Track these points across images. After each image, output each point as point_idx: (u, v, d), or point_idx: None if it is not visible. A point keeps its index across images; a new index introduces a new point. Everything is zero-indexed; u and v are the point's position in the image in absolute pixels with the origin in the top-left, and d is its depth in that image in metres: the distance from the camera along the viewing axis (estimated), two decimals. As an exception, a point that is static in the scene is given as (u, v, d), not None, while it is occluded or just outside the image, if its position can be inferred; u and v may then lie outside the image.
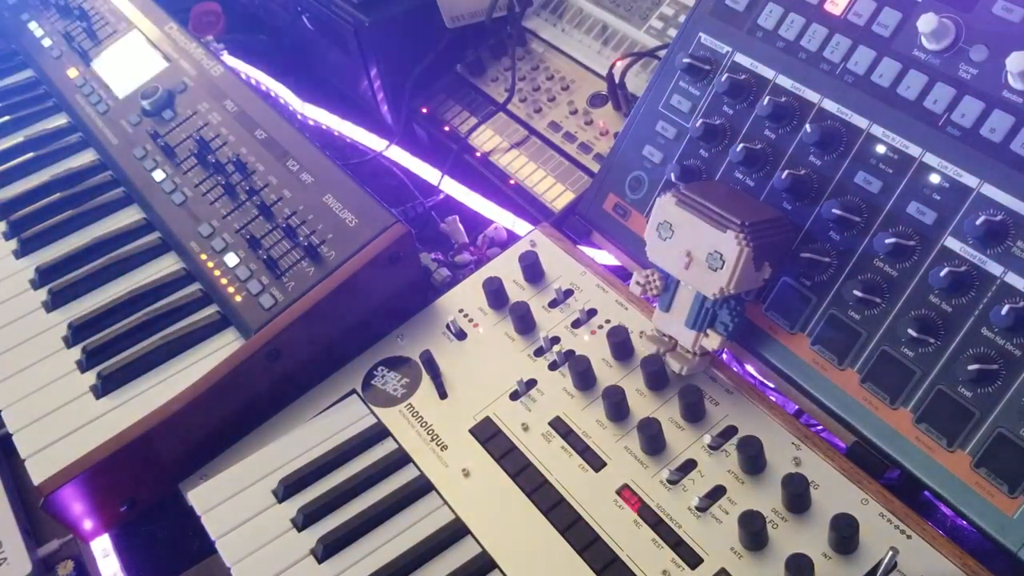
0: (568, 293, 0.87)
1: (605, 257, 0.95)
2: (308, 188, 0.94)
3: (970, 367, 0.67)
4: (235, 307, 0.89)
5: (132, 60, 1.18)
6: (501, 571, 0.72)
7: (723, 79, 0.83)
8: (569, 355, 0.82)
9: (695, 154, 0.87)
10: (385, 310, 0.90)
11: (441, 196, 1.20)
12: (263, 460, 0.82)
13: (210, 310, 0.92)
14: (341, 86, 1.37)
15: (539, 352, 0.84)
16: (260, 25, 1.50)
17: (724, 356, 0.85)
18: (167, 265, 0.98)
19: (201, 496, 0.80)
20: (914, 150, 0.74)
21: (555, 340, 0.84)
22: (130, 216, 1.04)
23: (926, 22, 0.72)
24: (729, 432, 0.75)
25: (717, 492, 0.72)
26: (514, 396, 0.81)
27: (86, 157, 1.13)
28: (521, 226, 1.09)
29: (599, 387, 0.80)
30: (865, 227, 0.75)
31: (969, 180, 0.70)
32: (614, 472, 0.75)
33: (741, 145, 0.81)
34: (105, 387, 0.86)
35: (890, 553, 0.64)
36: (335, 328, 0.87)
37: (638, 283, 0.79)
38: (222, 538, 0.77)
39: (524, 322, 0.85)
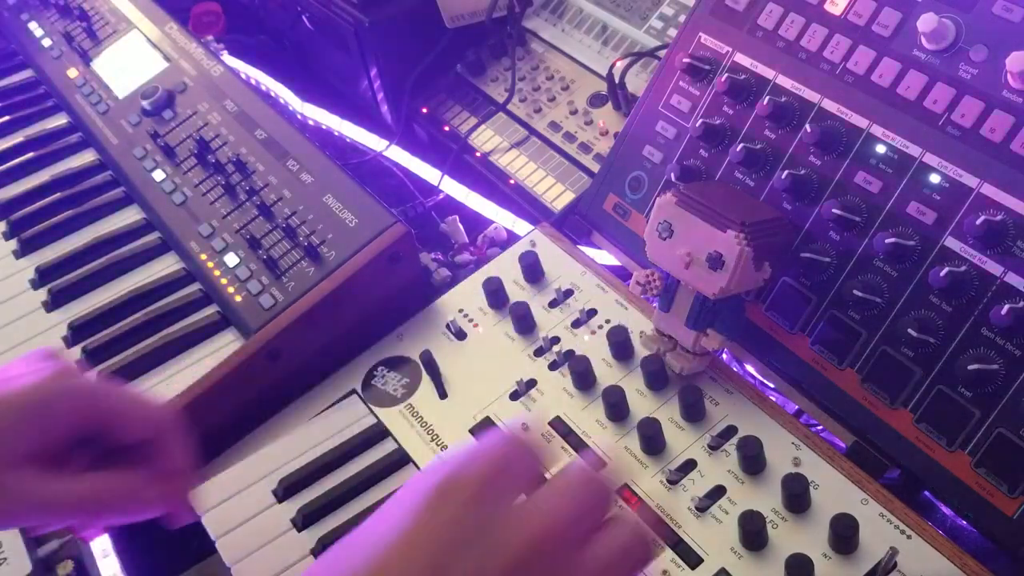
0: (568, 293, 0.87)
1: (605, 257, 0.95)
2: (308, 188, 0.94)
3: (970, 367, 0.67)
4: (235, 307, 0.89)
5: (132, 60, 1.18)
6: (501, 571, 0.72)
7: (723, 79, 0.83)
8: (569, 355, 0.82)
9: (695, 154, 0.87)
10: (385, 310, 0.90)
11: (441, 196, 1.20)
12: (263, 460, 0.82)
13: (210, 310, 0.92)
14: (341, 86, 1.37)
15: (539, 352, 0.84)
16: (260, 25, 1.50)
17: (724, 356, 0.85)
18: (167, 265, 0.98)
19: (201, 496, 0.80)
20: (914, 150, 0.74)
21: (555, 340, 0.84)
22: (130, 216, 1.04)
23: (926, 22, 0.72)
24: (729, 432, 0.75)
25: (717, 492, 0.72)
26: (514, 396, 0.81)
27: (86, 157, 1.13)
28: (521, 226, 1.09)
29: (599, 387, 0.80)
30: (865, 227, 0.75)
31: (969, 180, 0.70)
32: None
33: (741, 145, 0.81)
34: (105, 387, 0.86)
35: (890, 553, 0.64)
36: (335, 328, 0.87)
37: (638, 283, 0.79)
38: (222, 538, 0.77)
39: (524, 322, 0.85)
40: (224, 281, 0.91)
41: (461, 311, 0.89)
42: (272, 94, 1.39)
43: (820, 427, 0.78)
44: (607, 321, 0.84)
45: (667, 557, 0.69)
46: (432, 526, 0.47)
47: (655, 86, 0.91)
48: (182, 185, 1.01)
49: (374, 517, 0.51)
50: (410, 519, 0.48)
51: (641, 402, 0.78)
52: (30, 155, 1.14)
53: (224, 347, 0.88)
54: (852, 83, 0.78)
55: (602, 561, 0.50)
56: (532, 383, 0.82)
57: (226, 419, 0.84)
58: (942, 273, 0.68)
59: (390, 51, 1.23)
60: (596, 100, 1.13)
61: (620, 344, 0.81)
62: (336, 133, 1.32)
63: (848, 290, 0.74)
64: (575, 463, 0.55)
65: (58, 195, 1.07)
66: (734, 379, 0.78)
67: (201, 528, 0.78)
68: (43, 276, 0.99)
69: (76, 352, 0.90)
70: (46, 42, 1.29)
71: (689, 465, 0.74)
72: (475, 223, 1.16)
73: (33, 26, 1.33)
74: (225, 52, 1.37)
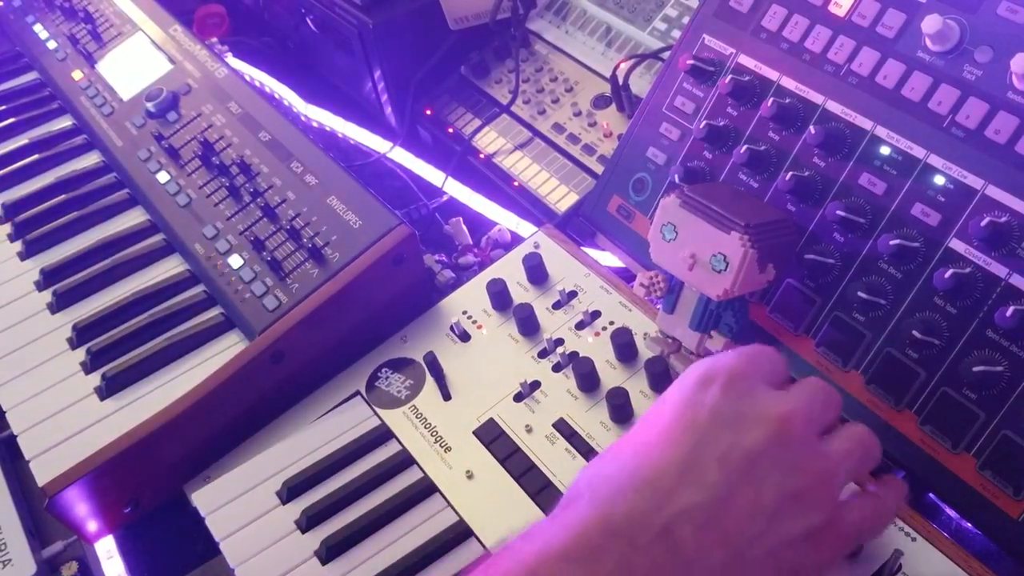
0: (572, 295, 0.87)
1: (609, 259, 0.95)
2: (312, 190, 0.94)
3: (975, 369, 0.67)
4: (239, 309, 0.89)
5: (137, 62, 1.18)
6: (505, 573, 0.72)
7: (727, 80, 0.83)
8: (573, 357, 0.82)
9: (699, 156, 0.87)
10: (389, 312, 0.90)
11: (445, 198, 1.20)
12: (267, 462, 0.82)
13: (214, 312, 0.92)
14: (345, 88, 1.38)
15: (543, 354, 0.84)
16: (264, 27, 1.51)
17: (728, 358, 0.85)
18: (171, 267, 0.98)
19: (205, 498, 0.80)
20: (918, 151, 0.74)
21: (559, 342, 0.84)
22: (135, 218, 1.04)
23: (930, 23, 0.72)
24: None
25: (721, 494, 0.71)
26: (518, 398, 0.81)
27: (91, 159, 1.14)
28: (525, 228, 1.09)
29: (603, 389, 0.80)
30: (869, 229, 0.75)
31: (974, 181, 0.70)
32: (618, 474, 0.75)
33: (745, 147, 0.81)
34: (110, 388, 0.86)
35: (894, 555, 0.64)
36: (339, 330, 0.87)
37: (642, 285, 0.79)
38: (226, 539, 0.77)
39: (528, 324, 0.85)
40: (228, 283, 0.91)
41: (465, 313, 0.89)
42: (276, 96, 1.39)
43: (824, 429, 0.77)
44: (611, 323, 0.84)
45: (671, 559, 0.69)
46: (690, 413, 0.55)
47: (659, 88, 0.91)
48: (186, 187, 1.01)
49: (646, 412, 0.58)
50: (671, 410, 0.56)
51: (645, 404, 0.78)
52: (35, 157, 1.15)
53: (228, 349, 0.88)
54: (856, 84, 0.78)
55: (840, 449, 0.57)
56: (536, 385, 0.82)
57: (230, 421, 0.84)
58: (947, 275, 0.68)
59: (394, 53, 1.23)
60: (600, 102, 1.13)
61: (624, 346, 0.81)
62: (340, 135, 1.32)
63: (852, 292, 0.73)
64: (812, 377, 0.61)
65: (63, 197, 1.08)
66: (738, 381, 0.78)
67: (205, 529, 0.78)
68: (48, 278, 0.99)
69: (81, 353, 0.90)
70: (51, 44, 1.30)
71: (693, 467, 0.73)
72: (479, 225, 1.16)
73: (38, 28, 1.33)
74: (229, 54, 1.37)
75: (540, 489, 0.75)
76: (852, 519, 0.57)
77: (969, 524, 0.70)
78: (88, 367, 0.89)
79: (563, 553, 0.50)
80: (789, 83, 0.82)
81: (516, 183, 1.13)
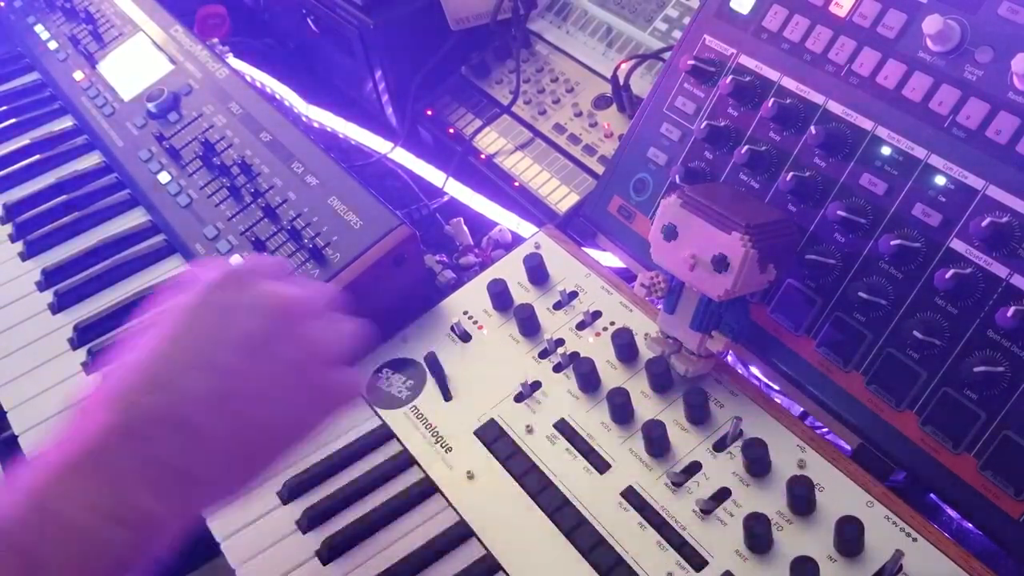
0: (573, 295, 0.87)
1: (610, 259, 0.95)
2: (313, 190, 0.94)
3: (976, 369, 0.67)
4: (240, 309, 0.89)
5: (138, 63, 1.19)
6: (506, 573, 0.72)
7: (728, 81, 0.83)
8: (574, 357, 0.82)
9: (700, 156, 0.87)
10: (389, 312, 0.90)
11: (446, 198, 1.20)
12: (268, 462, 0.82)
13: (215, 312, 0.92)
14: (346, 88, 1.38)
15: (544, 354, 0.84)
16: (265, 28, 1.51)
17: (729, 358, 0.85)
18: (173, 267, 0.98)
19: (206, 498, 0.80)
20: (919, 152, 0.73)
21: (560, 342, 0.84)
22: (136, 218, 1.05)
23: (931, 23, 0.72)
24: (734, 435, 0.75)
25: (722, 494, 0.71)
26: (519, 398, 0.81)
27: (92, 159, 1.14)
28: (526, 228, 1.09)
29: (604, 389, 0.80)
30: (870, 229, 0.75)
31: (974, 182, 0.70)
32: (618, 474, 0.75)
33: (746, 147, 0.81)
34: (110, 389, 0.86)
35: (895, 555, 0.64)
36: (340, 330, 0.87)
37: (643, 285, 0.79)
38: (227, 540, 0.77)
39: (529, 324, 0.85)
40: (229, 283, 0.91)
41: (466, 313, 0.89)
42: (277, 96, 1.39)
43: (825, 430, 0.77)
44: (612, 323, 0.84)
45: (672, 559, 0.69)
46: (196, 312, 0.59)
47: (660, 88, 0.91)
48: (187, 187, 1.01)
49: (155, 317, 0.61)
50: (180, 312, 0.59)
51: (646, 404, 0.78)
52: (36, 157, 1.15)
53: (229, 349, 0.88)
54: (857, 85, 0.78)
55: (315, 332, 0.62)
56: (536, 385, 0.82)
57: (231, 421, 0.84)
58: (948, 275, 0.68)
59: (395, 53, 1.23)
60: (601, 102, 1.13)
61: (625, 346, 0.81)
62: (341, 135, 1.32)
63: (853, 292, 0.73)
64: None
65: (64, 197, 1.08)
66: (739, 381, 0.78)
67: (206, 530, 0.78)
68: (49, 278, 0.99)
69: (82, 354, 0.90)
70: (52, 45, 1.30)
71: (694, 467, 0.74)
72: (480, 225, 1.16)
73: (39, 29, 1.33)
74: (230, 55, 1.37)
75: (541, 489, 0.75)
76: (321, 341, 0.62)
77: (970, 524, 0.70)
78: (89, 367, 0.89)
79: (75, 466, 0.53)
80: (790, 83, 0.82)
81: (517, 183, 1.13)
